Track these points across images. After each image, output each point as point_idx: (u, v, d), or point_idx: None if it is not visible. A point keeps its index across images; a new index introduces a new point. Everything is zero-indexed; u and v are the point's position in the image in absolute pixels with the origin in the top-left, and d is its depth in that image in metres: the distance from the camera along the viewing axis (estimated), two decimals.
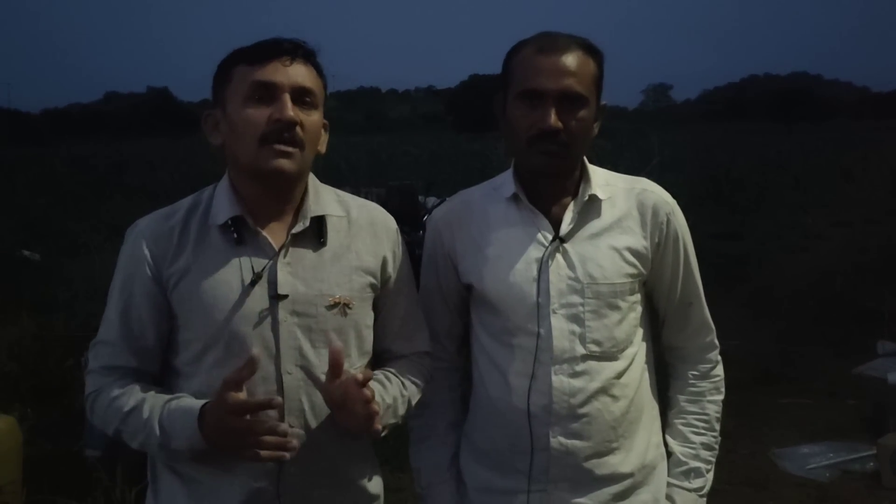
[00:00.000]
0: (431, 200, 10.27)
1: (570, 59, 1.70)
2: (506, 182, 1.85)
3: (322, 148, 1.72)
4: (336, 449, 1.70)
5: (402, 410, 1.74)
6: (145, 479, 1.77)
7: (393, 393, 1.72)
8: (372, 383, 1.61)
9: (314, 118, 1.66)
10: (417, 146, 28.17)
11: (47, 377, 5.04)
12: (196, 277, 1.63)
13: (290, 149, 1.60)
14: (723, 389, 1.94)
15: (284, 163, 1.60)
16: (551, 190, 1.80)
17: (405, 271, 1.84)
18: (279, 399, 1.56)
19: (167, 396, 1.61)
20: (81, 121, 56.98)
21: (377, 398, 1.61)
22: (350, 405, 1.56)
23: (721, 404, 1.93)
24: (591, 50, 1.74)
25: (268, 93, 1.60)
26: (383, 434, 1.67)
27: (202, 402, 1.55)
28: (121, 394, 1.62)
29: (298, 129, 1.61)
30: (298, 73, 1.62)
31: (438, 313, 1.95)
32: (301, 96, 1.62)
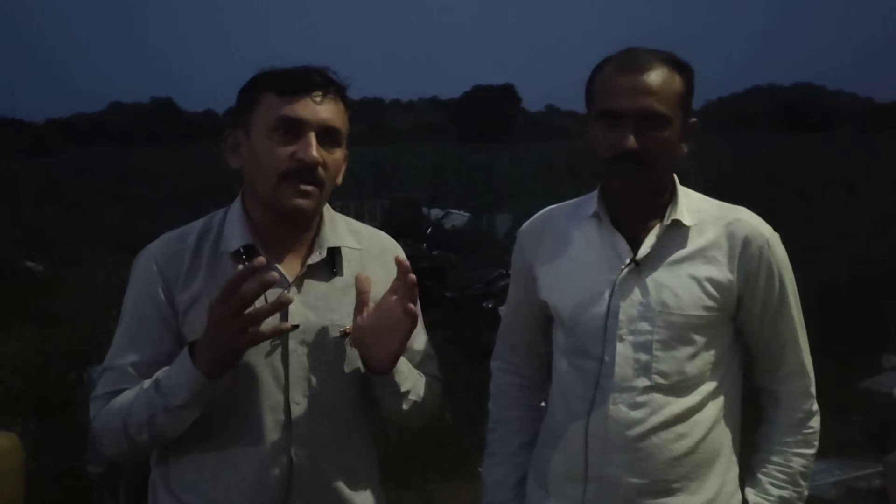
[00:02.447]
0: (435, 212, 10.29)
1: (652, 77, 1.62)
2: (590, 201, 1.79)
3: (339, 180, 1.70)
4: (342, 478, 1.67)
5: (423, 392, 1.73)
6: (147, 496, 1.74)
7: (417, 374, 1.73)
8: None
9: (336, 156, 1.64)
10: (421, 157, 28.20)
11: (50, 392, 5.03)
12: (207, 305, 1.59)
13: (309, 188, 1.59)
14: (815, 443, 1.78)
15: (302, 202, 1.59)
16: (636, 212, 1.73)
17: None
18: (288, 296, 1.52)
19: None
20: (85, 130, 57.16)
21: (406, 366, 1.67)
22: (386, 324, 1.57)
23: (811, 459, 1.78)
24: (676, 65, 1.67)
25: (294, 128, 1.58)
26: (405, 409, 1.69)
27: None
28: (119, 398, 1.59)
29: (320, 169, 1.60)
30: (326, 111, 1.60)
31: (521, 328, 1.93)
32: (326, 135, 1.61)
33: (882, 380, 5.66)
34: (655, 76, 1.63)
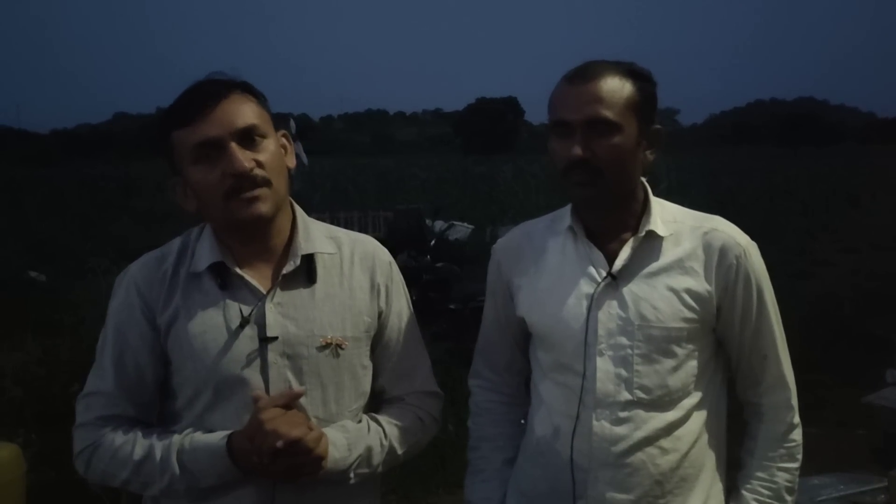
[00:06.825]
0: (438, 224, 10.29)
1: (599, 86, 1.61)
2: (565, 214, 1.78)
3: (290, 163, 1.65)
4: (335, 489, 1.64)
5: (377, 459, 1.67)
6: None
7: (368, 442, 1.66)
8: (343, 430, 1.62)
9: (269, 148, 1.59)
10: (425, 169, 28.30)
11: (52, 402, 5.01)
12: (185, 322, 1.61)
13: (256, 192, 1.55)
14: (798, 456, 1.76)
15: (258, 207, 1.56)
16: (608, 224, 1.72)
17: (401, 306, 1.78)
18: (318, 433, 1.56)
19: (175, 437, 1.58)
20: (90, 141, 57.36)
21: (342, 452, 1.60)
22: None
23: (795, 473, 1.75)
24: (630, 73, 1.65)
25: (213, 149, 1.54)
26: (352, 482, 1.64)
27: (222, 437, 1.54)
28: (124, 442, 1.60)
29: (257, 169, 1.55)
30: (232, 115, 1.55)
31: (499, 345, 1.90)
32: (245, 136, 1.56)
33: (886, 394, 5.61)
34: (602, 84, 1.62)
